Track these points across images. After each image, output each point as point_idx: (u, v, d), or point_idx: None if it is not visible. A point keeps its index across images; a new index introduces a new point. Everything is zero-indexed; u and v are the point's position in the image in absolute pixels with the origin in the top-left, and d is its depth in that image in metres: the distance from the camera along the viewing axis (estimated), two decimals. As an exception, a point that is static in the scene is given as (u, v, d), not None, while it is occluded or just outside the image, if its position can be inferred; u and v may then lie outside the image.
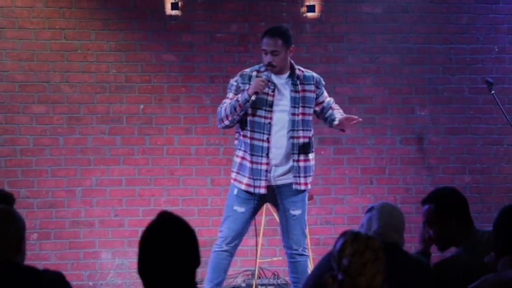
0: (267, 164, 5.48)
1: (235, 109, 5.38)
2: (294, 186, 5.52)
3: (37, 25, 7.27)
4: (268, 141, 5.48)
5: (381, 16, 7.64)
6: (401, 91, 7.66)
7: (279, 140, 5.51)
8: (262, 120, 5.47)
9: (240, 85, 5.52)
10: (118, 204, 7.36)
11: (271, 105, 5.47)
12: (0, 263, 3.28)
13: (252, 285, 6.95)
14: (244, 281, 7.33)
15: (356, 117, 5.58)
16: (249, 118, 5.47)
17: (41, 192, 7.27)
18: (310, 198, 6.72)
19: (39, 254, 7.20)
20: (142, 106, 7.41)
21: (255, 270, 6.97)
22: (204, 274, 7.26)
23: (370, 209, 4.05)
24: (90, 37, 7.34)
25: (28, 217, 6.93)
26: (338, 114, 5.63)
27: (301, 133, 5.52)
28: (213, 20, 7.48)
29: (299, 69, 5.62)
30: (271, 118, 5.47)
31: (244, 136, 5.53)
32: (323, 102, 5.68)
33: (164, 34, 7.43)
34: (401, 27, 7.67)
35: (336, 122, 5.59)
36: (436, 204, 4.16)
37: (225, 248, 5.58)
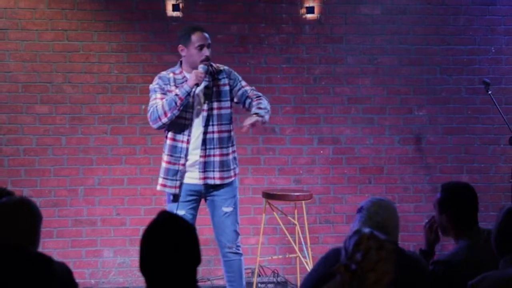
0: (183, 165, 5.56)
1: (175, 103, 5.39)
2: (205, 181, 5.56)
3: (40, 27, 7.27)
4: (188, 142, 5.54)
5: (379, 18, 7.65)
6: (399, 92, 7.66)
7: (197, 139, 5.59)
8: (183, 122, 5.53)
9: (163, 86, 5.56)
10: (120, 203, 7.37)
11: (192, 106, 5.52)
12: (12, 248, 3.33)
13: (252, 283, 6.95)
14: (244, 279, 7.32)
15: (249, 124, 5.47)
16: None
17: (44, 191, 7.27)
18: (309, 197, 6.73)
19: (42, 252, 7.18)
20: (143, 106, 7.40)
21: (255, 268, 6.98)
22: (206, 272, 7.29)
23: (359, 210, 4.03)
24: (92, 38, 7.34)
25: (31, 216, 6.92)
26: (255, 108, 5.58)
27: (216, 128, 5.57)
28: (214, 21, 7.48)
29: (211, 65, 5.66)
30: (191, 119, 5.54)
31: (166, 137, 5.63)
32: (238, 91, 5.69)
33: (165, 35, 7.43)
34: (399, 28, 7.68)
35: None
36: (442, 194, 4.18)
37: None
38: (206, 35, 5.60)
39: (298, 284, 6.84)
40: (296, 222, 6.77)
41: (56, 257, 7.17)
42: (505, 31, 7.78)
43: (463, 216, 4.09)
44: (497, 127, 7.65)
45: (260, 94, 5.72)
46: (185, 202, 5.57)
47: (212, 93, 5.57)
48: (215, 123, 5.55)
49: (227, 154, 5.63)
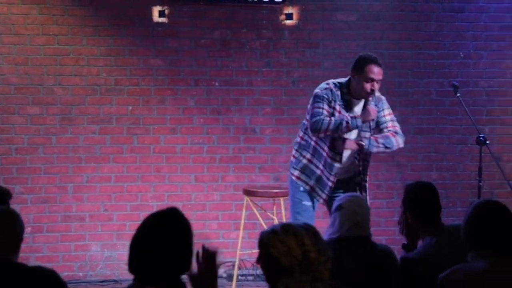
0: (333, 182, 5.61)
1: (341, 129, 5.38)
2: None
3: (32, 31, 7.24)
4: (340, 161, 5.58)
5: (354, 24, 7.66)
6: (373, 94, 7.68)
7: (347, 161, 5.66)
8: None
9: (331, 99, 5.51)
10: (108, 199, 7.35)
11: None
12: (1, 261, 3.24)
13: (233, 275, 6.96)
14: (225, 271, 7.33)
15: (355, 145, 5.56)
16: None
17: (35, 188, 7.25)
18: (288, 194, 6.73)
19: (33, 246, 7.18)
20: (130, 108, 7.40)
21: (236, 261, 6.98)
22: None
23: (339, 208, 4.04)
24: (82, 43, 7.32)
25: (23, 212, 6.83)
26: (381, 139, 5.62)
27: None
28: (198, 27, 7.48)
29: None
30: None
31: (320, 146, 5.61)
32: (381, 118, 5.69)
33: (151, 40, 7.42)
34: (373, 34, 7.70)
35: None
36: (406, 194, 4.20)
37: None
38: (380, 70, 5.48)
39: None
40: (275, 218, 6.78)
41: (46, 251, 7.20)
42: (473, 37, 7.82)
43: (426, 215, 4.10)
44: (465, 127, 7.68)
45: (398, 130, 5.66)
46: None
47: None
48: None
49: None
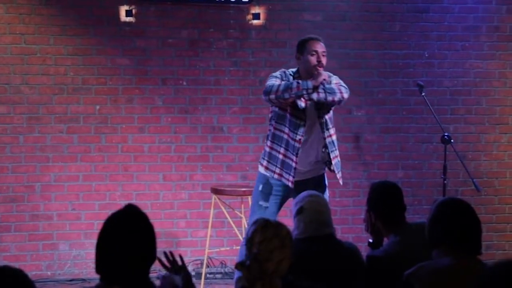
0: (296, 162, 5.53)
1: (291, 89, 5.33)
2: None
3: (-2, 30, 7.20)
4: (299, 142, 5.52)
5: (321, 24, 7.69)
6: (339, 93, 7.72)
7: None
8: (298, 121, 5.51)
9: (284, 78, 5.52)
10: (75, 198, 7.32)
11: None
12: None
13: (201, 273, 6.96)
14: (194, 269, 7.34)
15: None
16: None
17: (2, 188, 7.20)
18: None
19: (0, 246, 7.13)
20: (98, 107, 7.38)
21: (204, 259, 6.99)
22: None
23: (300, 211, 4.04)
24: (49, 42, 7.28)
25: (-10, 211, 6.87)
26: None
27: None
28: (165, 26, 7.47)
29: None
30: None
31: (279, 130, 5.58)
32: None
33: (119, 39, 7.40)
34: (339, 34, 7.73)
35: None
36: (370, 193, 4.23)
37: None
38: (322, 43, 5.54)
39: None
40: (242, 216, 6.79)
41: (14, 250, 7.15)
42: (437, 37, 7.89)
43: (390, 215, 4.12)
44: (430, 126, 7.75)
45: (343, 85, 5.55)
46: None
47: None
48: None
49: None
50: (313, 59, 5.46)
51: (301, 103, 5.35)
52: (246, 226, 6.79)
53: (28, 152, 7.25)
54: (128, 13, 7.37)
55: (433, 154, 7.83)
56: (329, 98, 5.38)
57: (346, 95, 5.49)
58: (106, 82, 7.39)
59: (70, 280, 7.23)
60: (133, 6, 7.38)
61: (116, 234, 2.96)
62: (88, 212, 7.32)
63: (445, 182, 6.72)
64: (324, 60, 5.49)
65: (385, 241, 4.16)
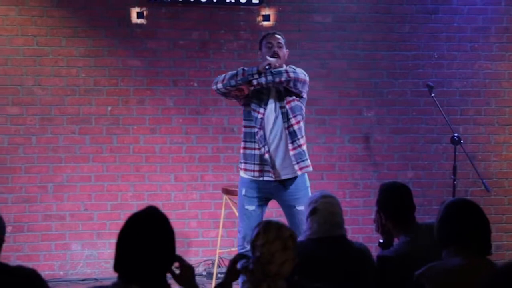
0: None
1: (238, 75, 5.40)
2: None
3: (11, 32, 7.22)
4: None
5: (330, 25, 7.70)
6: (349, 94, 7.73)
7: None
8: (256, 115, 5.51)
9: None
10: (88, 199, 7.34)
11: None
12: None
13: (212, 273, 6.98)
14: (205, 269, 7.35)
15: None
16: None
17: (15, 188, 7.23)
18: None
19: (13, 246, 7.16)
20: (110, 108, 7.40)
21: (215, 259, 7.00)
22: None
23: (314, 211, 4.04)
24: (61, 44, 7.31)
25: (3, 211, 6.87)
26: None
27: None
28: (176, 28, 7.49)
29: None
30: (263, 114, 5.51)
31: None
32: None
33: (130, 41, 7.42)
34: (349, 35, 7.73)
35: None
36: (380, 194, 4.23)
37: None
38: (277, 36, 5.60)
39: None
40: (253, 216, 6.79)
41: (27, 250, 7.18)
42: (446, 37, 7.88)
43: (399, 215, 4.12)
44: (440, 127, 7.74)
45: (294, 69, 5.57)
46: None
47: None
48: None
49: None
50: (267, 50, 5.54)
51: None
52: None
53: (41, 152, 7.27)
54: (139, 15, 7.39)
55: (443, 155, 7.82)
56: (276, 79, 5.42)
57: (293, 75, 5.48)
58: (118, 83, 7.41)
59: (83, 280, 7.25)
60: (144, 8, 7.40)
61: (137, 234, 2.98)
62: (101, 212, 7.34)
63: (455, 182, 6.71)
64: (280, 51, 5.54)
65: (396, 241, 4.16)
